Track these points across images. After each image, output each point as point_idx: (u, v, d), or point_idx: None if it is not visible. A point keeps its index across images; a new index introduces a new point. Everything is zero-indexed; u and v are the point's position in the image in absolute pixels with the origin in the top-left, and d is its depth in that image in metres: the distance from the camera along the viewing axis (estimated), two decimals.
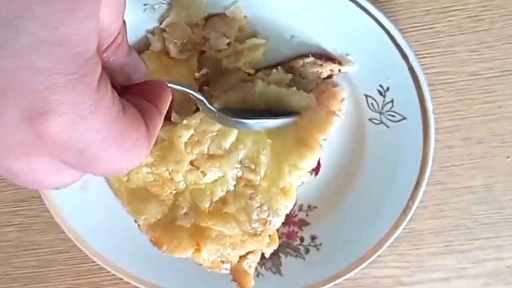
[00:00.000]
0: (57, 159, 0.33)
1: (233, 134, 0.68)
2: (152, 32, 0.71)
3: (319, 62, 0.70)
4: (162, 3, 0.69)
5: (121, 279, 0.77)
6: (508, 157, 0.74)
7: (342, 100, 0.71)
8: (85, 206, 0.75)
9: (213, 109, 0.64)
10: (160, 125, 0.42)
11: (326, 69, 0.70)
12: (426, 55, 0.72)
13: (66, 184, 0.38)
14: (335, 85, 0.71)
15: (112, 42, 0.37)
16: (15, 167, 0.32)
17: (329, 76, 0.71)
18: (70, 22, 0.28)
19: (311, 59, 0.70)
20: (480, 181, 0.75)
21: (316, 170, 0.74)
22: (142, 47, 0.72)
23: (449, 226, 0.76)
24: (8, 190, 0.81)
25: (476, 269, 0.77)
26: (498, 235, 0.76)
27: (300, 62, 0.70)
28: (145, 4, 0.69)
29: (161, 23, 0.70)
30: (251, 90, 0.70)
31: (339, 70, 0.70)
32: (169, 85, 0.47)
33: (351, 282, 0.77)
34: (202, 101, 0.62)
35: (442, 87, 0.73)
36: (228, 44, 0.70)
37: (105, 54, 0.37)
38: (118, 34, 0.37)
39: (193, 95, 0.60)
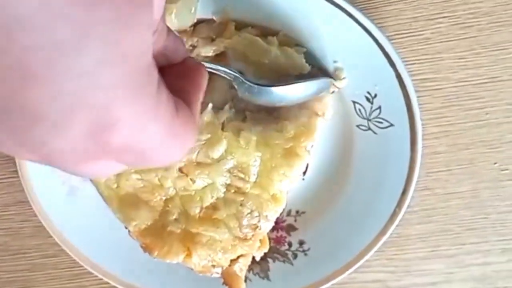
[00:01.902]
0: (119, 161, 0.35)
1: (221, 145, 0.70)
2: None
3: None
4: None
5: (109, 284, 0.78)
6: (495, 163, 0.76)
7: (328, 103, 0.72)
8: (73, 212, 0.77)
9: (252, 84, 0.66)
10: (199, 109, 0.42)
11: None
12: (414, 62, 0.74)
13: (115, 173, 0.40)
14: None
15: (155, 31, 0.37)
16: (83, 170, 0.34)
17: None
18: (130, 37, 0.29)
19: None
20: (467, 187, 0.77)
21: (304, 172, 0.75)
22: None
23: (437, 231, 0.78)
24: None
25: (464, 274, 0.79)
26: (485, 240, 0.78)
27: None
28: None
29: None
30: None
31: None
32: (205, 65, 0.48)
33: (339, 287, 0.79)
34: (238, 77, 0.65)
35: (430, 93, 0.75)
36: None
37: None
38: (159, 21, 0.38)
39: (228, 73, 0.64)
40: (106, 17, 0.28)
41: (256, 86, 0.67)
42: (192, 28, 0.72)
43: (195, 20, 0.72)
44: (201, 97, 0.42)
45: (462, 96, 0.75)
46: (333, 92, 0.71)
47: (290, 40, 0.71)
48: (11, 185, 0.80)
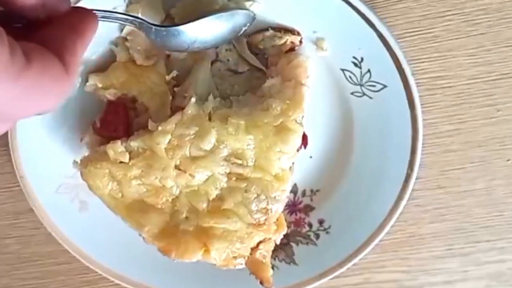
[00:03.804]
0: None
1: (211, 135, 0.70)
2: (115, 43, 0.76)
3: (278, 34, 0.74)
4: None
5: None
6: (508, 160, 0.78)
7: (308, 68, 0.74)
8: (85, 223, 0.81)
9: (158, 27, 0.66)
10: (83, 52, 0.42)
11: (286, 41, 0.74)
12: (424, 60, 0.76)
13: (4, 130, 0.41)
14: (298, 55, 0.74)
15: None
16: None
17: (292, 49, 0.75)
18: None
19: (270, 32, 0.74)
20: (481, 184, 0.79)
21: (304, 143, 0.76)
22: (108, 59, 0.76)
23: (451, 230, 0.80)
24: (7, 203, 0.85)
25: (479, 272, 0.81)
26: (500, 237, 0.80)
27: (260, 36, 0.74)
28: (101, 17, 0.72)
29: (122, 32, 0.74)
30: None
31: (300, 41, 0.74)
32: (96, 12, 0.47)
33: None
34: (142, 22, 0.64)
35: (441, 91, 0.77)
36: None
37: None
38: None
39: (130, 20, 0.62)
40: None
41: (163, 28, 0.67)
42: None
43: (165, 16, 0.74)
44: (83, 47, 0.43)
45: (474, 94, 0.77)
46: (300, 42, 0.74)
47: None
48: (21, 193, 0.81)
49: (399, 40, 0.72)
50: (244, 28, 0.72)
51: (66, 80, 0.39)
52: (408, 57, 0.73)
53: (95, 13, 0.47)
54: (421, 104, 0.73)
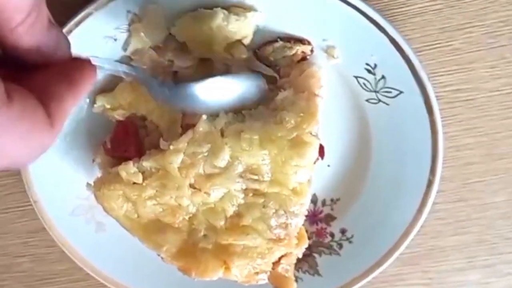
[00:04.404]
0: None
1: (224, 152, 0.69)
2: (120, 62, 0.73)
3: (288, 45, 0.72)
4: (122, 31, 0.72)
5: None
6: None
7: (321, 78, 0.73)
8: (102, 243, 0.81)
9: (163, 84, 0.64)
10: (72, 106, 0.41)
11: (297, 52, 0.73)
12: (444, 73, 0.75)
13: None
14: (310, 65, 0.73)
15: (25, 18, 0.36)
16: None
17: (303, 58, 0.73)
18: None
19: (279, 43, 0.72)
20: (502, 197, 0.78)
21: (321, 154, 0.76)
22: (115, 79, 0.75)
23: (473, 242, 0.80)
24: (19, 222, 0.85)
25: (501, 283, 0.81)
26: None
27: (269, 48, 0.73)
28: (104, 37, 0.72)
29: (126, 51, 0.73)
30: None
31: (311, 51, 0.73)
32: (95, 62, 0.46)
33: None
34: (147, 78, 0.61)
35: (461, 104, 0.76)
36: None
37: (15, 32, 0.36)
38: (31, 9, 0.36)
39: (134, 75, 0.59)
40: None
41: (165, 87, 0.65)
42: (165, 43, 0.73)
43: (168, 33, 0.73)
44: (74, 98, 0.41)
45: (495, 106, 0.76)
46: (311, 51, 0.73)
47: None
48: (33, 212, 0.80)
49: (417, 54, 0.70)
50: (253, 100, 0.71)
51: (47, 132, 0.38)
52: (428, 71, 0.71)
53: (93, 63, 0.45)
54: (441, 118, 0.72)
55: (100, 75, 0.75)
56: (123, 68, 0.57)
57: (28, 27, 0.37)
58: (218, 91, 0.68)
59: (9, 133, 0.35)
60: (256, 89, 0.71)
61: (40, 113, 0.37)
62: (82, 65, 0.44)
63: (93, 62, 0.46)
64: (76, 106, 0.76)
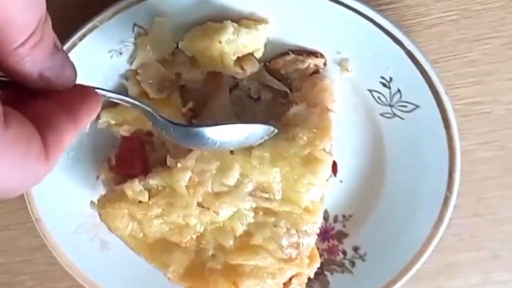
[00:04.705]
0: None
1: (234, 170, 0.68)
2: (125, 76, 0.73)
3: (300, 58, 0.71)
4: (127, 45, 0.70)
5: None
6: None
7: (335, 92, 0.71)
8: (107, 262, 0.79)
9: (166, 121, 0.60)
10: (71, 138, 0.40)
11: (309, 65, 0.71)
12: (460, 85, 0.73)
13: None
14: (323, 79, 0.71)
15: (27, 39, 0.35)
16: None
17: (316, 72, 0.72)
18: None
19: (291, 56, 0.71)
20: None
21: (333, 171, 0.75)
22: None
23: (488, 258, 0.78)
24: (21, 239, 0.83)
25: None
26: None
27: (281, 61, 0.71)
28: (109, 51, 0.71)
29: (131, 64, 0.72)
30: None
31: (324, 64, 0.71)
32: (100, 92, 0.44)
33: None
34: (150, 112, 0.57)
35: (478, 117, 0.74)
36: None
37: (16, 54, 0.35)
38: (35, 30, 0.35)
39: (138, 106, 0.56)
40: None
41: (170, 124, 0.60)
42: (172, 55, 0.72)
43: (175, 46, 0.71)
44: (74, 129, 0.40)
45: None
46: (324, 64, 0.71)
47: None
48: (36, 229, 0.78)
49: (433, 66, 0.68)
50: (261, 140, 0.68)
51: (41, 163, 0.36)
52: (444, 83, 0.69)
53: (96, 93, 0.44)
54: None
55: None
56: (129, 100, 0.54)
57: (30, 50, 0.36)
58: (225, 134, 0.65)
59: (0, 159, 0.33)
60: (264, 135, 0.68)
61: (36, 143, 0.36)
62: (85, 94, 0.43)
63: (98, 92, 0.44)
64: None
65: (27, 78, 0.38)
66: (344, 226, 0.79)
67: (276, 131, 0.68)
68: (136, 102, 0.55)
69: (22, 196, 0.77)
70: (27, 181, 0.36)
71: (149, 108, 0.57)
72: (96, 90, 0.44)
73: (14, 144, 0.34)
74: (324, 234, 0.77)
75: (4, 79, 0.38)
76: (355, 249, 0.78)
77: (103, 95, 0.45)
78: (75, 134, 0.40)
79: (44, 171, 0.37)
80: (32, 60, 0.37)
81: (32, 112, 0.37)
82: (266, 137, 0.68)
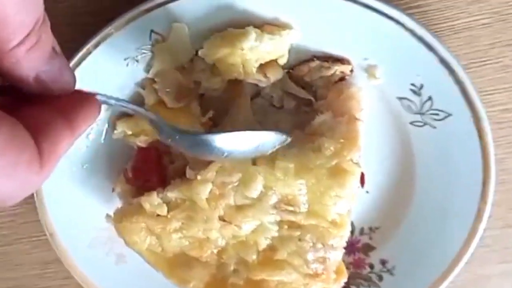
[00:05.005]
0: None
1: (257, 182, 0.66)
2: (141, 85, 0.71)
3: (325, 64, 0.68)
4: (144, 52, 0.68)
5: None
6: None
7: (362, 100, 0.69)
8: (123, 276, 0.77)
9: (171, 130, 0.57)
10: (68, 145, 0.38)
11: (335, 72, 0.69)
12: (492, 92, 0.70)
13: None
14: (349, 86, 0.69)
15: (23, 40, 0.34)
16: None
17: (342, 79, 0.69)
18: None
19: (316, 62, 0.69)
20: None
21: (361, 182, 0.72)
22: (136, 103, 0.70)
23: None
24: (34, 252, 0.82)
25: None
26: None
27: (305, 68, 0.69)
28: (125, 58, 0.68)
29: (148, 72, 0.70)
30: None
31: (351, 71, 0.68)
32: (99, 98, 0.43)
33: None
34: (154, 120, 0.55)
35: (511, 124, 0.72)
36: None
37: (12, 54, 0.35)
38: (31, 31, 0.35)
39: (143, 114, 0.54)
40: None
41: (176, 132, 0.57)
42: (191, 64, 0.70)
43: (194, 53, 0.69)
44: (71, 137, 0.39)
45: None
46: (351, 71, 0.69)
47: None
48: (49, 242, 0.76)
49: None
50: (273, 149, 0.65)
51: (34, 172, 0.35)
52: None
53: (97, 100, 0.43)
54: None
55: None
56: (131, 106, 0.52)
57: (27, 51, 0.35)
58: (234, 143, 0.62)
59: None
60: (276, 144, 0.65)
61: (30, 149, 0.35)
62: (83, 100, 0.42)
63: (98, 98, 0.43)
64: (95, 132, 0.73)
65: (23, 81, 0.37)
66: (370, 238, 0.76)
67: (288, 139, 0.65)
68: (140, 109, 0.54)
69: (34, 208, 0.75)
70: (17, 191, 0.35)
71: (153, 115, 0.55)
72: (95, 96, 0.43)
73: (4, 148, 0.32)
74: (350, 247, 0.74)
75: None
76: (383, 262, 0.75)
77: (103, 101, 0.44)
78: (72, 141, 0.39)
79: (37, 180, 0.36)
80: (28, 62, 0.36)
81: (28, 118, 0.35)
82: (278, 146, 0.65)
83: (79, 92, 0.42)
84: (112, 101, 0.46)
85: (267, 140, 0.64)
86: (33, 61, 0.36)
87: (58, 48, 0.38)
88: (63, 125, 0.38)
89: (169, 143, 0.59)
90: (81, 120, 0.40)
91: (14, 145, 0.33)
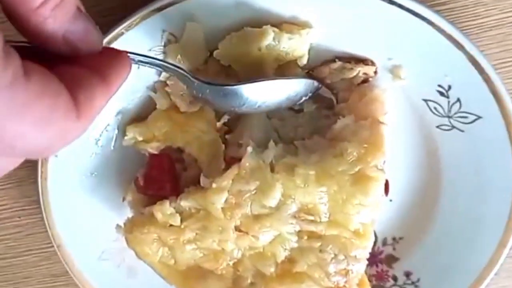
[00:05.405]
0: None
1: (275, 190, 0.64)
2: (154, 89, 0.69)
3: (348, 66, 0.66)
4: (156, 53, 0.67)
5: None
6: None
7: (386, 102, 0.67)
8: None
9: (201, 83, 0.59)
10: (105, 99, 0.39)
11: (358, 73, 0.66)
12: None
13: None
14: (373, 88, 0.67)
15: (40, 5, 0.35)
16: None
17: (365, 81, 0.67)
18: None
19: (337, 63, 0.66)
20: None
21: (385, 190, 0.70)
22: (147, 108, 0.70)
23: None
24: (43, 265, 0.81)
25: None
26: None
27: (326, 69, 0.67)
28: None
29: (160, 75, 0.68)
30: None
31: (375, 72, 0.66)
32: (130, 55, 0.45)
33: None
34: (183, 74, 0.57)
35: None
36: None
37: (38, 14, 0.35)
38: None
39: (170, 69, 0.56)
40: None
41: (206, 85, 0.59)
42: (205, 65, 0.68)
43: (208, 54, 0.67)
44: (107, 93, 0.39)
45: None
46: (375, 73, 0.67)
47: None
48: (57, 254, 0.75)
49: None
50: (305, 98, 0.65)
51: (71, 120, 0.35)
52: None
53: (128, 56, 0.43)
54: None
55: (130, 104, 0.71)
56: (160, 63, 0.54)
57: (52, 10, 0.35)
58: (264, 92, 0.62)
59: (25, 114, 0.33)
60: (306, 90, 0.65)
61: (65, 97, 0.35)
62: (114, 57, 0.42)
63: (127, 55, 0.44)
64: (105, 139, 0.71)
65: (52, 41, 0.37)
66: (394, 249, 0.74)
67: (320, 86, 0.65)
68: (169, 65, 0.56)
69: (41, 219, 0.74)
70: (55, 140, 0.35)
71: (183, 70, 0.56)
72: (125, 54, 0.44)
73: (39, 96, 0.33)
74: (372, 258, 0.72)
75: (29, 44, 0.38)
76: (407, 274, 0.74)
77: (133, 59, 0.45)
78: (108, 98, 0.40)
79: (75, 130, 0.36)
80: (54, 21, 0.36)
81: (61, 74, 0.36)
82: (310, 94, 0.65)
83: (109, 49, 0.43)
84: (142, 58, 0.50)
85: (299, 88, 0.64)
86: (59, 19, 0.36)
87: (82, 8, 0.39)
88: (98, 80, 0.39)
89: (201, 98, 0.60)
90: (114, 76, 0.41)
91: (48, 93, 0.34)
